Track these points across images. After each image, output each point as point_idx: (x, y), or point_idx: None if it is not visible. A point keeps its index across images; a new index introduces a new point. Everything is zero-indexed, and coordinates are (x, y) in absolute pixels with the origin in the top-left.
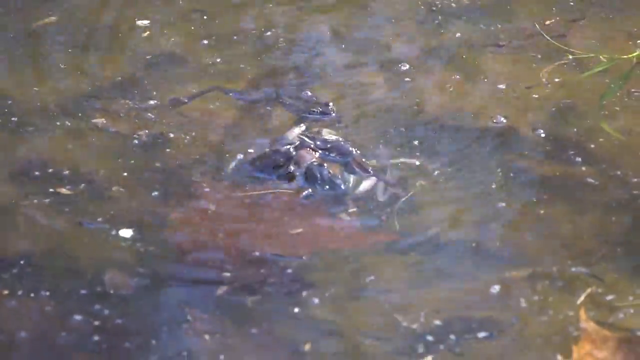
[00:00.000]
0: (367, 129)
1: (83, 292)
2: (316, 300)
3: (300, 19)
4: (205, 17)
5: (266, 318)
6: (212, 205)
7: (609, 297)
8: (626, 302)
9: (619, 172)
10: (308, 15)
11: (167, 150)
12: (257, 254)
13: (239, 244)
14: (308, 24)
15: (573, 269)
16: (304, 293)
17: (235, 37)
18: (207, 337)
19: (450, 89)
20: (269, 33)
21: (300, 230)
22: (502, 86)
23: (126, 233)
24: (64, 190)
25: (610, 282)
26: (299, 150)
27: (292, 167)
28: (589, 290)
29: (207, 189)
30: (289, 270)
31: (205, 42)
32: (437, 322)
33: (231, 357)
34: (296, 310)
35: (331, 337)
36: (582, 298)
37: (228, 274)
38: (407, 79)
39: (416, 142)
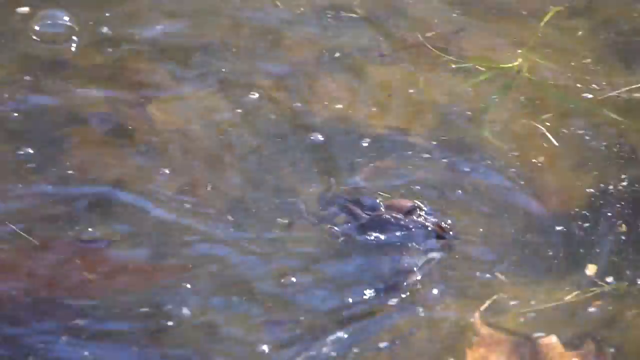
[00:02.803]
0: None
1: None
2: None
3: None
4: None
5: None
6: None
7: (512, 303)
8: (528, 307)
9: (507, 177)
10: None
11: None
12: None
13: None
14: None
15: (478, 274)
16: None
17: None
18: None
19: (336, 96)
20: None
21: None
22: (387, 94)
23: None
24: None
25: (514, 288)
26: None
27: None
28: (494, 297)
29: None
30: None
31: None
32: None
33: None
34: None
35: None
36: (486, 304)
37: None
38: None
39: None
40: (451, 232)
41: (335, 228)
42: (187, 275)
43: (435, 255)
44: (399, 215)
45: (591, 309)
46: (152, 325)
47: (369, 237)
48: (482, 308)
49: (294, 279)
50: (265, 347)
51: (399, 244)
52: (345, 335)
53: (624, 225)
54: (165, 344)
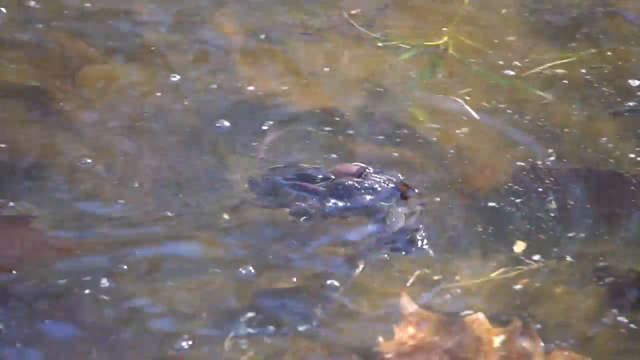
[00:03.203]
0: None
1: None
2: None
3: None
4: None
5: None
6: None
7: (436, 278)
8: (453, 283)
9: (434, 154)
10: None
11: None
12: None
13: None
14: None
15: (404, 253)
16: None
17: None
18: None
19: (265, 75)
20: None
21: None
22: (315, 71)
23: None
24: None
25: (438, 264)
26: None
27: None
28: (417, 272)
29: None
30: None
31: None
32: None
33: None
34: None
35: None
36: (410, 280)
37: None
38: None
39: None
40: (416, 189)
41: (301, 204)
42: (109, 254)
43: (418, 208)
44: (360, 179)
45: (517, 286)
46: (70, 301)
47: (338, 206)
48: (408, 283)
49: (243, 270)
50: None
51: (368, 206)
52: (260, 316)
53: (553, 202)
54: (82, 318)
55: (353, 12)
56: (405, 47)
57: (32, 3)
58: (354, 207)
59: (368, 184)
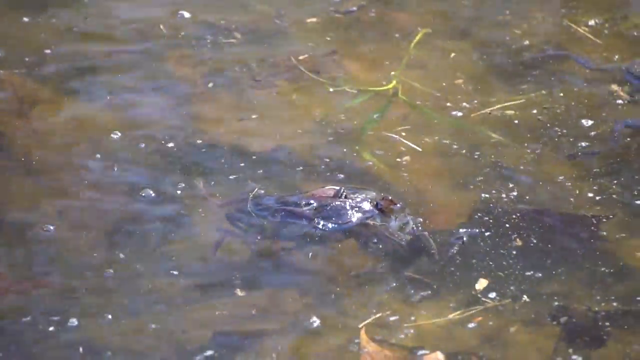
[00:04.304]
0: None
1: None
2: None
3: None
4: None
5: None
6: None
7: (393, 318)
8: (410, 322)
9: (391, 194)
10: None
11: None
12: None
13: None
14: None
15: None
16: None
17: None
18: None
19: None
20: None
21: None
22: (266, 114)
23: None
24: None
25: (398, 304)
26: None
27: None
28: (379, 314)
29: None
30: None
31: None
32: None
33: None
34: None
35: None
36: (367, 320)
37: None
38: (182, 110)
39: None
40: (398, 204)
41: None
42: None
43: (408, 218)
44: (342, 199)
45: (473, 325)
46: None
47: (329, 227)
48: (364, 323)
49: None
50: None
51: (360, 224)
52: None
53: (518, 240)
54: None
55: (301, 57)
56: (354, 91)
57: None
58: (344, 227)
59: (353, 203)
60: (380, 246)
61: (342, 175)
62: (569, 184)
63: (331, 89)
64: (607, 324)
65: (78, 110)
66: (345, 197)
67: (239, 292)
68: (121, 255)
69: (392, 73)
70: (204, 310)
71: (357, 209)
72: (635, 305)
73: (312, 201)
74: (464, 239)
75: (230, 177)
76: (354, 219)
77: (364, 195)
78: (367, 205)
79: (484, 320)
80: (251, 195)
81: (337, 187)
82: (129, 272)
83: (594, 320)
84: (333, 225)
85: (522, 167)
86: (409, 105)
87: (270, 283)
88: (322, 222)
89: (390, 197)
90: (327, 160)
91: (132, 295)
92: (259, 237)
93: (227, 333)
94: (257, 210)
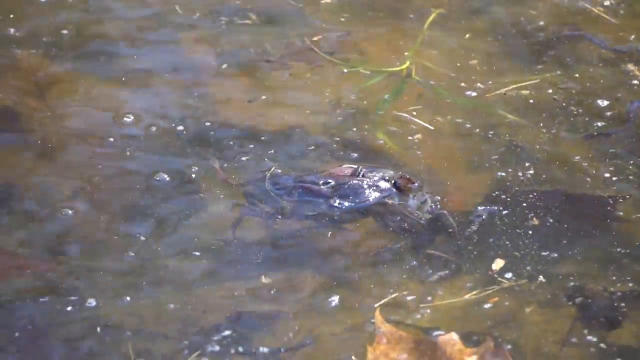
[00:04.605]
0: None
1: None
2: None
3: None
4: None
5: None
6: None
7: (409, 298)
8: (426, 302)
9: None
10: None
11: None
12: None
13: None
14: None
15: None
16: None
17: None
18: None
19: (229, 100)
20: None
21: None
22: (281, 95)
23: None
24: None
25: (410, 284)
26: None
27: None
28: (395, 294)
29: None
30: None
31: None
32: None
33: None
34: None
35: None
36: (382, 301)
37: None
38: (196, 92)
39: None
40: (416, 183)
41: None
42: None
43: (426, 196)
44: (360, 178)
45: (488, 305)
46: None
47: (346, 206)
48: (380, 303)
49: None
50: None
51: (378, 203)
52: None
53: (535, 219)
54: None
55: (315, 38)
56: (368, 72)
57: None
58: (362, 205)
59: (371, 181)
60: (399, 225)
61: (355, 155)
62: (586, 164)
63: (345, 70)
64: (623, 304)
65: (94, 92)
66: (363, 175)
67: (257, 273)
68: (141, 238)
69: (406, 54)
70: (222, 290)
71: (374, 187)
72: None
73: (329, 180)
74: (483, 217)
75: (244, 158)
76: (372, 198)
77: (381, 174)
78: (384, 184)
79: (500, 301)
80: (268, 174)
81: (355, 166)
82: (148, 253)
83: (610, 301)
84: (350, 204)
85: (537, 147)
86: (423, 85)
87: (287, 263)
88: (339, 201)
89: (408, 176)
90: (339, 139)
91: (150, 276)
92: (278, 217)
93: (245, 313)
94: (275, 189)
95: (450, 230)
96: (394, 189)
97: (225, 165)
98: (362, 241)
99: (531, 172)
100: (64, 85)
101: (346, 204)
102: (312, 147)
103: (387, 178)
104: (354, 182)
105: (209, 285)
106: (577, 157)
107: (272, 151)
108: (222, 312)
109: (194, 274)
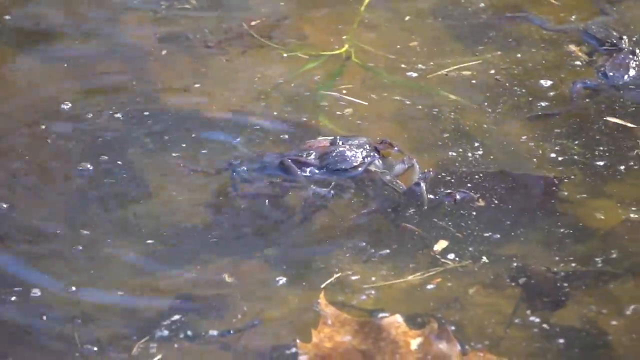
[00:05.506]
0: None
1: None
2: None
3: None
4: None
5: None
6: None
7: (354, 278)
8: (370, 284)
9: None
10: None
11: None
12: None
13: None
14: None
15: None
16: None
17: None
18: None
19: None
20: None
21: None
22: (221, 80)
23: None
24: None
25: (357, 265)
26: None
27: None
28: (339, 274)
29: None
30: None
31: None
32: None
33: None
34: None
35: None
36: (327, 282)
37: None
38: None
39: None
40: (396, 147)
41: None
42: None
43: (413, 161)
44: (343, 146)
45: (431, 287)
46: None
47: (339, 169)
48: (324, 285)
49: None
50: None
51: (367, 167)
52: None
53: (480, 200)
54: None
55: (253, 23)
56: (307, 57)
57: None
58: (351, 173)
59: (355, 148)
60: (379, 194)
61: (299, 138)
62: (532, 144)
63: (285, 55)
64: (566, 284)
65: (34, 76)
66: (343, 144)
67: (207, 255)
68: (84, 232)
69: (344, 37)
70: (170, 278)
71: (360, 152)
72: (593, 266)
73: (312, 152)
74: (457, 197)
75: (203, 149)
76: (359, 162)
77: (357, 141)
78: (369, 148)
79: (443, 282)
80: (239, 161)
81: (330, 137)
82: (91, 244)
83: (553, 281)
84: (341, 170)
85: (484, 126)
86: (363, 67)
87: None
88: (327, 169)
89: (388, 140)
90: (285, 123)
91: (93, 265)
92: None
93: (192, 297)
94: (258, 169)
95: (419, 203)
96: (377, 155)
97: (175, 155)
98: (335, 214)
99: (479, 152)
100: (3, 70)
101: (337, 170)
102: (258, 130)
103: (367, 144)
104: (339, 149)
105: (156, 271)
106: (523, 138)
107: (223, 137)
108: (170, 296)
109: (139, 259)
